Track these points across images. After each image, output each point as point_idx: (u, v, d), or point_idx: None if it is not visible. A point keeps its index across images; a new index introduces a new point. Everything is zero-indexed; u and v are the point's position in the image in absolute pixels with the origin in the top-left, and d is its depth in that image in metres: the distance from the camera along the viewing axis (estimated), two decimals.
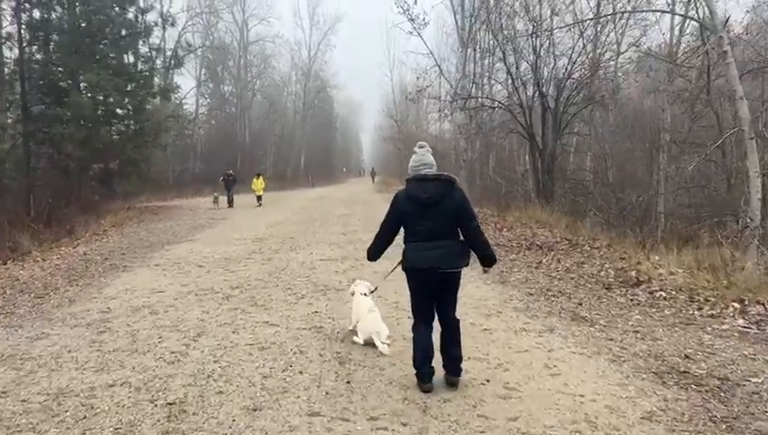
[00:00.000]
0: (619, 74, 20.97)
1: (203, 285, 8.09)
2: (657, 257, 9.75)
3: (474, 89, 24.53)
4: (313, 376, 4.53)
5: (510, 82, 20.22)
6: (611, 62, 19.72)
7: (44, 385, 4.36)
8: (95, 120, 22.22)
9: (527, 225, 15.02)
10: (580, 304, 6.86)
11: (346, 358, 4.98)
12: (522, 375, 4.57)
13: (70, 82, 22.09)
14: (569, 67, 17.88)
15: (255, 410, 3.88)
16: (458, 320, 4.39)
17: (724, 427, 3.69)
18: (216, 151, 43.62)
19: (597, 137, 22.45)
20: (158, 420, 3.72)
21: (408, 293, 4.38)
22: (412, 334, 4.37)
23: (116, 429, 3.60)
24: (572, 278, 8.42)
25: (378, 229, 4.44)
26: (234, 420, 3.72)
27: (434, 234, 4.08)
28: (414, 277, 4.25)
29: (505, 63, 19.10)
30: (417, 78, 23.52)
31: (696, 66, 15.17)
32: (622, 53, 19.94)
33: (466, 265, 4.23)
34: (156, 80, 26.37)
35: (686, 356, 5.02)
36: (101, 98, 22.92)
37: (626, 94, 21.66)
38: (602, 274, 8.62)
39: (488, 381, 4.46)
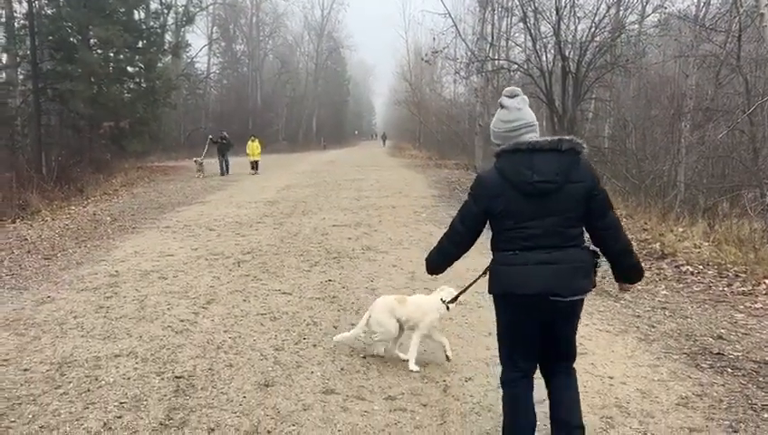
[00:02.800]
0: (644, 38, 20.18)
1: (213, 250, 7.90)
2: (680, 229, 9.43)
3: (491, 51, 23.79)
4: (327, 350, 4.32)
5: (530, 44, 19.52)
6: (635, 25, 18.93)
7: (48, 353, 4.19)
8: (105, 77, 21.88)
9: None
10: (603, 278, 6.57)
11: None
12: None
13: (79, 37, 21.68)
14: (592, 29, 17.17)
15: (267, 386, 3.69)
16: (575, 370, 2.96)
17: (766, 416, 3.45)
18: (227, 112, 43.15)
19: (618, 103, 21.80)
20: (165, 395, 3.54)
21: (495, 325, 2.91)
22: (502, 391, 2.92)
23: (121, 403, 3.42)
24: None
25: (447, 230, 2.93)
26: (244, 397, 3.54)
27: (547, 238, 2.61)
28: (511, 308, 2.74)
29: (526, 24, 18.38)
30: (434, 39, 22.87)
31: (725, 30, 14.49)
32: (648, 16, 19.14)
33: (594, 286, 2.82)
34: (167, 37, 25.80)
35: (719, 337, 4.76)
36: (111, 54, 22.53)
37: (650, 59, 20.84)
38: None
39: None
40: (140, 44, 23.49)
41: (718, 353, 4.41)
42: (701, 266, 7.04)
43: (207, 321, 4.92)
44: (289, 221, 10.41)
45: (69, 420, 3.24)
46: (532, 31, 18.20)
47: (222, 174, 20.99)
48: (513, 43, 25.95)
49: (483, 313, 5.17)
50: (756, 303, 5.66)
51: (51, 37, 21.15)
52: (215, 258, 7.37)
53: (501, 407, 2.97)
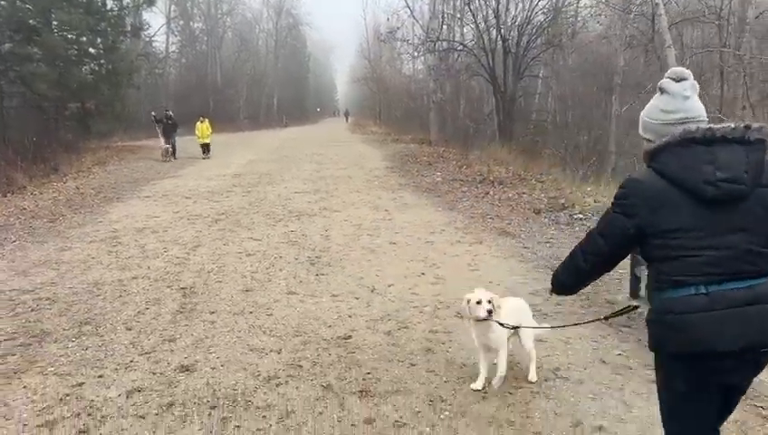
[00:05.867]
0: (579, 20, 22.03)
1: (193, 212, 9.34)
2: (588, 188, 11.32)
3: (445, 30, 25.29)
4: (290, 272, 5.92)
5: (475, 25, 21.12)
6: (570, 7, 20.74)
7: (82, 278, 5.67)
8: (67, 60, 22.49)
9: (486, 162, 16.35)
10: (510, 224, 8.35)
11: (316, 261, 6.36)
12: (449, 271, 6.02)
13: (40, 20, 22.17)
14: (529, 13, 18.90)
15: (248, 291, 5.27)
16: None
17: (584, 300, 5.19)
18: (187, 91, 43.51)
19: (558, 80, 23.70)
20: (176, 298, 5.09)
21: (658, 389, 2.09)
22: None
23: (147, 301, 4.96)
24: (510, 206, 9.89)
25: (582, 244, 2.19)
26: (232, 297, 5.11)
27: (742, 264, 1.86)
28: (697, 372, 1.91)
29: (470, 8, 19.94)
30: (387, 19, 24.19)
31: (643, 14, 16.40)
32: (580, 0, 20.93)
33: None
34: (127, 19, 26.34)
35: None
36: (73, 37, 23.10)
37: (584, 39, 22.70)
38: (536, 201, 10.10)
39: (423, 273, 5.90)
40: (101, 26, 24.07)
41: None
42: (590, 214, 8.86)
43: (198, 257, 6.44)
44: (256, 190, 11.85)
45: (111, 311, 4.76)
46: (476, 14, 19.80)
47: (165, 158, 18.94)
48: (465, 23, 27.53)
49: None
50: None
51: (10, 19, 21.57)
52: (195, 218, 8.83)
53: (409, 297, 4.60)
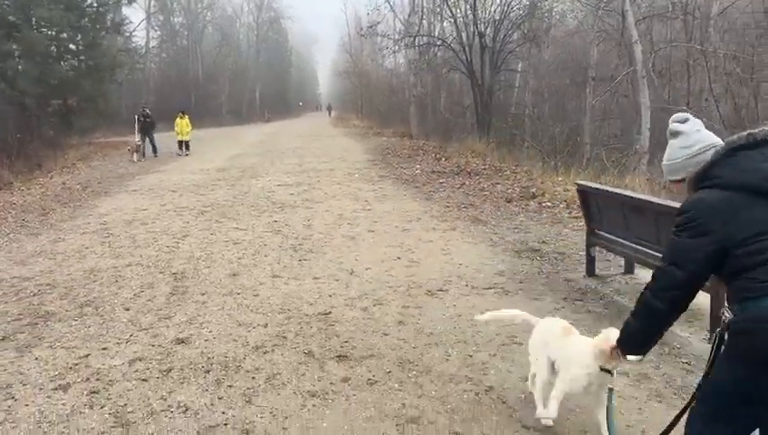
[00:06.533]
0: (554, 14, 22.61)
1: (179, 205, 9.69)
2: (560, 178, 11.87)
3: (425, 24, 25.72)
4: (275, 258, 6.34)
5: (453, 21, 21.57)
6: (545, 3, 21.27)
7: (78, 266, 6.03)
8: (47, 56, 22.51)
9: (463, 154, 16.86)
10: (482, 213, 8.84)
11: (299, 247, 6.78)
12: (423, 255, 6.48)
13: (19, 16, 22.14)
14: (505, 8, 19.40)
15: (235, 275, 5.68)
16: None
17: (545, 278, 5.68)
18: (168, 87, 43.41)
19: (535, 73, 24.27)
20: (168, 282, 5.49)
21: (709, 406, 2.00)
22: None
23: (141, 285, 5.35)
24: (484, 195, 10.38)
25: (652, 286, 2.04)
26: (221, 281, 5.52)
27: None
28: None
29: (447, 3, 20.37)
30: (368, 14, 24.54)
31: (613, 10, 17.01)
32: None
33: None
34: (109, 15, 26.34)
35: (543, 241, 7.05)
36: (53, 33, 23.11)
37: (559, 33, 23.29)
38: (509, 191, 10.61)
39: (399, 258, 6.35)
40: (82, 23, 24.08)
41: (536, 250, 6.68)
42: (558, 203, 9.39)
43: (186, 245, 6.83)
44: (240, 183, 12.21)
45: (109, 294, 5.15)
46: (453, 9, 20.25)
47: (143, 156, 18.22)
48: (444, 17, 27.97)
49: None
50: (580, 222, 8.00)
51: None
52: (181, 210, 9.19)
53: (385, 279, 5.03)
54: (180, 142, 19.69)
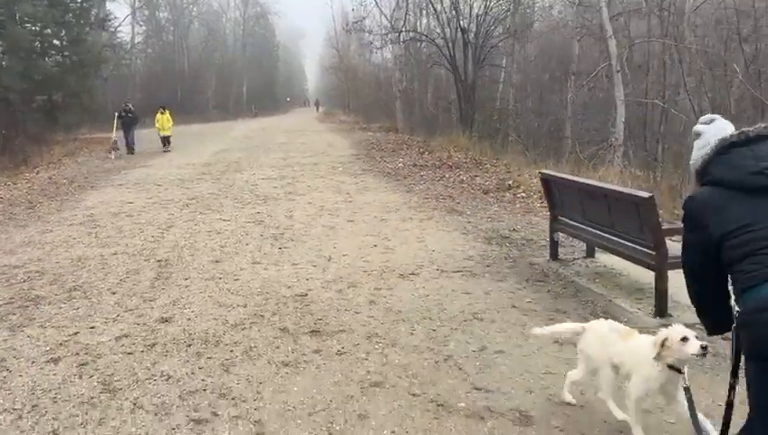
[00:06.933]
0: (536, 10, 22.99)
1: (164, 198, 9.92)
2: (537, 171, 12.22)
3: (412, 19, 25.98)
4: (256, 246, 6.62)
5: (436, 17, 21.86)
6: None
7: (66, 255, 6.28)
8: (31, 52, 22.52)
9: (446, 148, 17.17)
10: (459, 203, 9.17)
11: (279, 237, 7.06)
12: (398, 243, 6.79)
13: (3, 12, 22.12)
14: (487, 3, 19.71)
15: (217, 262, 5.96)
16: None
17: (511, 262, 6.02)
18: (155, 82, 43.32)
19: (518, 69, 24.64)
20: (153, 268, 5.75)
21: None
22: None
23: (127, 272, 5.62)
24: (462, 187, 10.72)
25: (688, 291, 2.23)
26: (203, 267, 5.80)
27: None
28: None
29: (430, 0, 20.65)
30: (352, 10, 24.74)
31: (590, 6, 17.40)
32: None
33: None
34: (94, 11, 26.35)
35: (514, 229, 7.39)
36: (37, 29, 23.11)
37: (541, 29, 23.65)
38: (487, 183, 10.96)
39: (375, 246, 6.66)
40: (66, 18, 24.09)
41: (506, 237, 7.01)
42: (532, 194, 9.74)
43: (171, 235, 7.09)
44: (224, 177, 12.44)
45: (96, 280, 5.41)
46: (436, 6, 20.53)
47: (129, 152, 18.31)
48: (429, 12, 28.22)
49: None
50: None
51: None
52: (167, 203, 9.42)
53: (360, 264, 5.32)
54: (163, 138, 19.54)
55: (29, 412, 3.11)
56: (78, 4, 24.87)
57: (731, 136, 2.04)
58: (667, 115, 15.00)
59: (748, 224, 1.88)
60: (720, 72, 14.43)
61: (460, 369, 3.59)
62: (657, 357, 2.55)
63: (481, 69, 21.29)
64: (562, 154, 18.37)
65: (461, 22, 19.64)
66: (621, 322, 4.29)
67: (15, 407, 3.17)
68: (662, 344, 2.53)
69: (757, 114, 13.39)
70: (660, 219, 4.60)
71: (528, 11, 22.01)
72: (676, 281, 4.51)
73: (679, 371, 2.55)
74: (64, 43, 24.71)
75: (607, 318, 3.44)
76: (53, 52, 24.68)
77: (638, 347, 2.78)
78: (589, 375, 3.07)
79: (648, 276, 4.71)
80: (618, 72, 13.02)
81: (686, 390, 2.48)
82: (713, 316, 2.16)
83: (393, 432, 2.92)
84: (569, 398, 3.15)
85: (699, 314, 2.23)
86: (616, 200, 4.71)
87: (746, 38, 14.02)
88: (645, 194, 4.33)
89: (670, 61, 15.51)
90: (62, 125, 25.38)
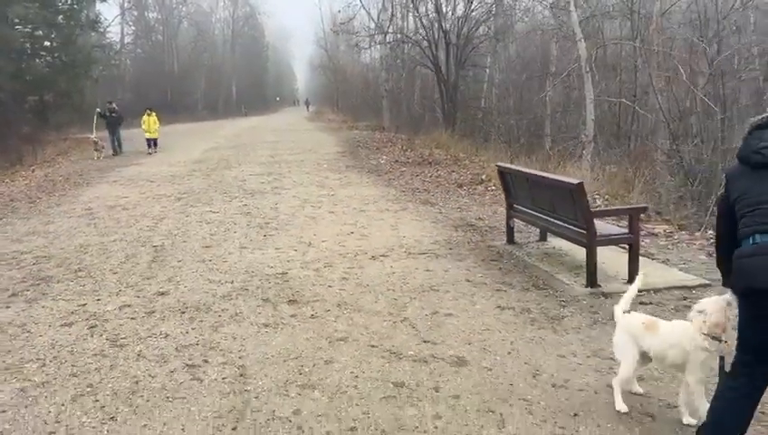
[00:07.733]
0: (517, 12, 23.70)
1: (157, 193, 10.53)
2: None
3: (399, 21, 26.66)
4: (243, 234, 7.27)
5: (420, 19, 22.55)
6: (506, 1, 22.36)
7: (69, 242, 6.90)
8: (23, 53, 22.98)
9: (428, 146, 17.87)
10: (433, 196, 9.86)
11: (265, 226, 7.71)
12: (373, 230, 7.45)
13: None
14: (468, 6, 20.44)
15: (208, 247, 6.61)
16: None
17: (472, 246, 6.70)
18: (144, 82, 43.70)
19: (500, 68, 25.40)
20: (149, 252, 6.40)
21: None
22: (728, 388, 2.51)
23: (126, 256, 6.25)
24: (439, 182, 11.41)
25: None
26: (195, 251, 6.44)
27: None
28: (751, 306, 2.41)
29: (413, 2, 21.33)
30: (339, 11, 25.37)
31: (562, 8, 18.16)
32: None
33: None
34: (84, 12, 26.79)
35: (480, 218, 8.09)
36: (28, 30, 23.56)
37: (522, 30, 24.39)
38: (462, 178, 11.65)
39: (352, 233, 7.32)
40: (57, 20, 24.53)
41: (472, 225, 7.70)
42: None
43: (164, 226, 7.73)
44: (214, 174, 13.05)
45: (98, 263, 6.04)
46: (419, 8, 21.22)
47: (114, 153, 18.26)
48: (415, 14, 28.91)
49: None
50: None
51: None
52: (159, 197, 10.04)
53: (336, 248, 5.98)
54: (149, 140, 18.93)
55: (51, 361, 3.76)
56: (68, 6, 25.31)
57: (759, 119, 2.56)
58: (638, 114, 15.77)
59: (744, 193, 2.45)
60: (687, 71, 15.22)
61: (413, 327, 4.27)
62: (705, 330, 2.69)
63: (463, 69, 22.01)
64: (542, 151, 19.15)
65: (443, 24, 20.34)
66: (558, 291, 5.02)
67: (39, 357, 3.82)
68: (704, 320, 2.70)
69: (723, 112, 14.19)
70: (596, 204, 5.29)
71: (509, 12, 22.72)
72: (604, 257, 5.26)
73: (719, 339, 2.68)
74: (55, 44, 25.20)
75: (547, 289, 4.13)
76: (44, 53, 25.15)
77: (673, 331, 2.90)
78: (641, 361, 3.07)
79: (578, 251, 5.42)
80: (587, 72, 13.76)
81: (722, 359, 2.62)
82: (726, 263, 2.57)
83: (352, 372, 3.59)
84: (636, 388, 3.21)
85: (718, 262, 2.77)
86: (556, 188, 5.41)
87: (710, 41, 14.81)
88: (575, 181, 5.03)
89: (641, 62, 16.28)
90: (53, 125, 25.84)
